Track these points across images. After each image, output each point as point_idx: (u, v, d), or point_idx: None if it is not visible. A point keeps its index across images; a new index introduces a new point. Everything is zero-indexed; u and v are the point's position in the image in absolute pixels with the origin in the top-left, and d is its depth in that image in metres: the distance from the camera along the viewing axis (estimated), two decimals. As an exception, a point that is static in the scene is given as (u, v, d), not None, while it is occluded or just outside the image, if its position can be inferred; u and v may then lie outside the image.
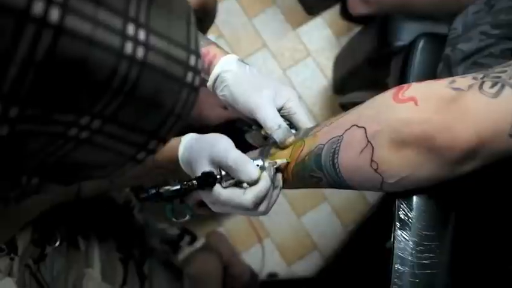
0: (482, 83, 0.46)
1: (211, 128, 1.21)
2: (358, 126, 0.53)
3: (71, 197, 0.75)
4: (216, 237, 1.40)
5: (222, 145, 0.57)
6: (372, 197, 1.51)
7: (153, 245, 0.96)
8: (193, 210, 0.70)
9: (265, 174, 0.57)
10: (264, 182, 0.56)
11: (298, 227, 1.55)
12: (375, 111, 0.53)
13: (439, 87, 0.49)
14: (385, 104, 0.52)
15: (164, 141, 0.34)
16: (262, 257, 1.50)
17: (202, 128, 1.24)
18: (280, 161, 0.60)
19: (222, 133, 0.66)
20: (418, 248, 0.53)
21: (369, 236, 1.28)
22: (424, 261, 0.52)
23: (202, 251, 1.24)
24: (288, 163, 0.60)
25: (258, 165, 0.57)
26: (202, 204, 0.66)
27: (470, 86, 0.47)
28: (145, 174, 0.69)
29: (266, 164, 0.58)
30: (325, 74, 1.66)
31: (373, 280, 1.12)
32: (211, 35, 1.62)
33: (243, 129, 0.71)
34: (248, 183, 0.56)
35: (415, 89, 0.51)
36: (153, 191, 0.56)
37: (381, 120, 0.51)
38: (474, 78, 0.48)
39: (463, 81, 0.48)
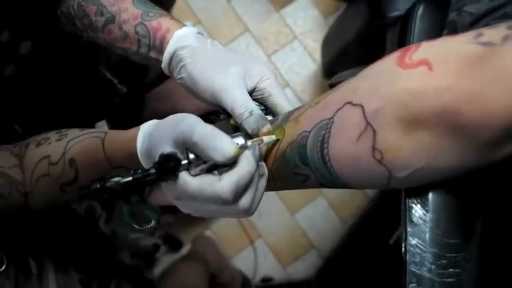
0: (524, 32, 0.34)
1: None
2: (353, 104, 0.41)
3: (16, 207, 0.62)
4: (202, 243, 1.28)
5: (188, 121, 0.44)
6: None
7: (122, 260, 0.84)
8: (160, 212, 0.57)
9: (248, 153, 0.43)
10: (246, 164, 0.43)
11: (292, 225, 1.46)
12: (374, 82, 0.40)
13: (460, 43, 0.36)
14: (388, 71, 0.40)
15: (34, 39, 0.21)
16: (255, 261, 1.41)
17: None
18: (267, 139, 0.47)
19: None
20: (439, 262, 0.41)
21: (371, 231, 1.20)
22: (449, 279, 0.40)
23: (184, 261, 1.13)
24: (277, 141, 0.47)
25: (237, 144, 0.44)
26: (165, 209, 0.53)
27: (505, 38, 0.34)
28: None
29: (249, 143, 0.45)
30: (313, 57, 1.56)
31: (377, 280, 1.05)
32: (187, 23, 1.49)
33: (210, 119, 0.58)
34: (224, 166, 0.43)
35: (427, 48, 0.38)
36: (97, 186, 0.43)
37: (383, 93, 0.39)
38: (510, 27, 0.35)
39: (494, 32, 0.35)
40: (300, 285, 1.38)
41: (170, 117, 0.47)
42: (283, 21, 1.57)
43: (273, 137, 0.47)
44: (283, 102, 0.53)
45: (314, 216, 1.47)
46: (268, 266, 1.43)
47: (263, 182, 0.46)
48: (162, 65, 0.56)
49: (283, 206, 1.47)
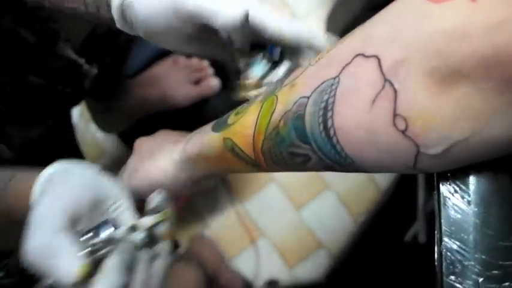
0: None
1: (176, 112, 0.99)
2: (366, 56, 0.30)
3: None
4: (198, 243, 1.19)
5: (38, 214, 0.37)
6: (384, 179, 1.30)
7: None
8: None
9: (109, 264, 0.34)
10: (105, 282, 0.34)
11: (297, 222, 1.36)
12: (394, 25, 0.30)
13: None
14: (413, 9, 0.29)
15: None
16: (257, 262, 1.31)
17: (167, 112, 1.00)
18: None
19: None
20: (489, 273, 0.30)
21: (385, 227, 1.14)
22: (507, 299, 0.29)
23: (177, 264, 1.04)
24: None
25: (86, 251, 0.34)
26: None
27: None
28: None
29: (118, 232, 0.34)
30: (318, 39, 1.44)
31: (393, 282, 0.98)
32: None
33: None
34: None
35: None
36: None
37: (407, 38, 0.28)
38: None
39: None
40: (307, 288, 1.30)
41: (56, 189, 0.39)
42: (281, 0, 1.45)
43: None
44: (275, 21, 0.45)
45: (321, 212, 1.37)
46: (272, 268, 1.34)
47: (159, 266, 0.38)
48: (117, 24, 0.46)
49: (286, 200, 1.38)
